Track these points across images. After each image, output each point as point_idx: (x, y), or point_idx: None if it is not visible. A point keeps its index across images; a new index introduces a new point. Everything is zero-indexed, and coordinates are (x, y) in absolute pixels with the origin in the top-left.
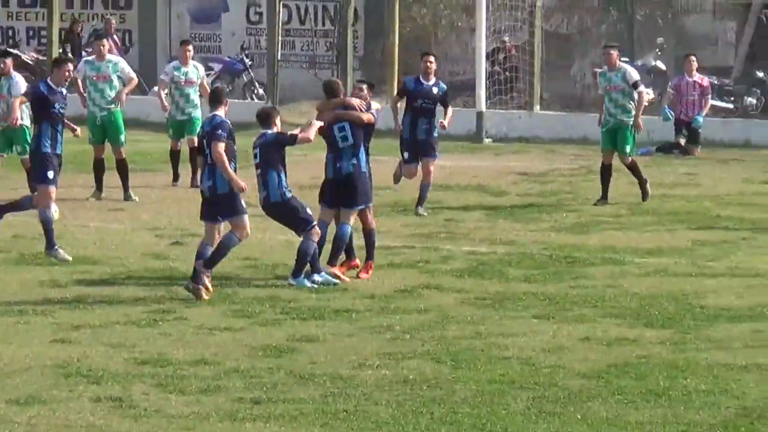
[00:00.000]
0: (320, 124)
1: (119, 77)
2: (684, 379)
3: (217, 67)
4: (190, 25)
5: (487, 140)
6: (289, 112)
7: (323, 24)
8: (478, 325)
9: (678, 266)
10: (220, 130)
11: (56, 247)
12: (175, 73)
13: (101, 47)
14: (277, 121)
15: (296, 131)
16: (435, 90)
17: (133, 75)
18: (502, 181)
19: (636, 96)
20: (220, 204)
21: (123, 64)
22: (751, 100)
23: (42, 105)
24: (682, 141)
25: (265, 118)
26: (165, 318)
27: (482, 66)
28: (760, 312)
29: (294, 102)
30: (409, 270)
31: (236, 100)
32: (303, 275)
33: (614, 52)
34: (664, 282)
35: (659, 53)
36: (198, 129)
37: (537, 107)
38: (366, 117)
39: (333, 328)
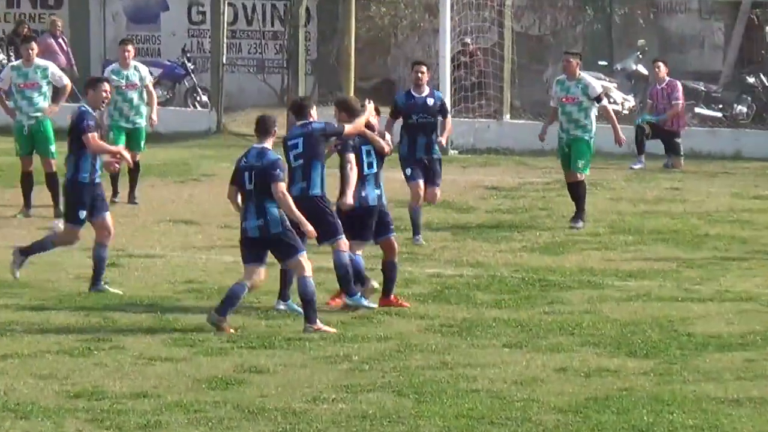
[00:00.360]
0: (373, 115)
1: (49, 83)
2: (670, 414)
3: (156, 71)
4: (127, 25)
5: (452, 152)
6: (235, 122)
7: (272, 24)
8: (444, 355)
9: (662, 290)
10: (278, 170)
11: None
12: (114, 77)
13: (29, 51)
14: (314, 112)
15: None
16: (430, 101)
17: (66, 80)
18: (470, 197)
19: (595, 111)
20: (273, 245)
21: (53, 68)
22: (741, 108)
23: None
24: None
25: (300, 109)
26: (100, 347)
27: (447, 71)
28: (753, 340)
29: (241, 110)
30: (377, 295)
31: (177, 108)
32: (358, 292)
33: (573, 60)
34: (648, 307)
35: (640, 56)
36: (143, 143)
37: (507, 116)
38: (386, 146)
39: (284, 358)
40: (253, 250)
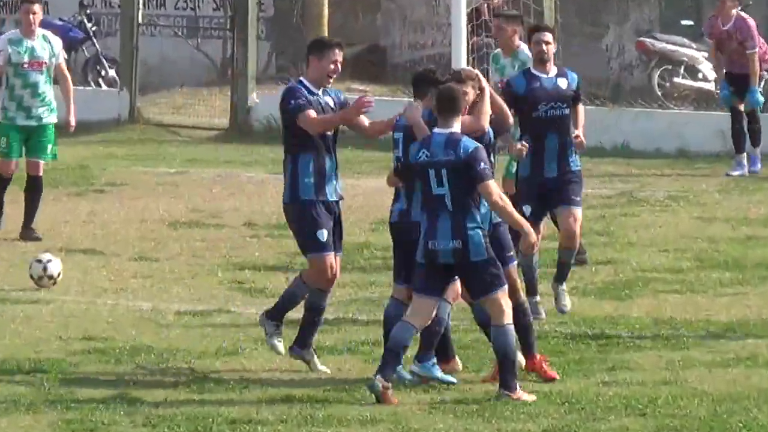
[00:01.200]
0: (486, 100)
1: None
2: None
3: None
4: None
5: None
6: (156, 107)
7: None
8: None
9: None
10: (484, 164)
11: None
12: (12, 48)
13: (32, 14)
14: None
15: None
16: (563, 84)
17: (65, 67)
18: None
19: None
20: (470, 274)
21: (59, 44)
22: None
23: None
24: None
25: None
26: None
27: (461, 36)
28: None
29: (165, 90)
30: (348, 357)
31: (75, 87)
32: (433, 359)
33: (509, 27)
34: (753, 375)
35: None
36: (51, 148)
37: None
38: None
39: None
40: (437, 278)
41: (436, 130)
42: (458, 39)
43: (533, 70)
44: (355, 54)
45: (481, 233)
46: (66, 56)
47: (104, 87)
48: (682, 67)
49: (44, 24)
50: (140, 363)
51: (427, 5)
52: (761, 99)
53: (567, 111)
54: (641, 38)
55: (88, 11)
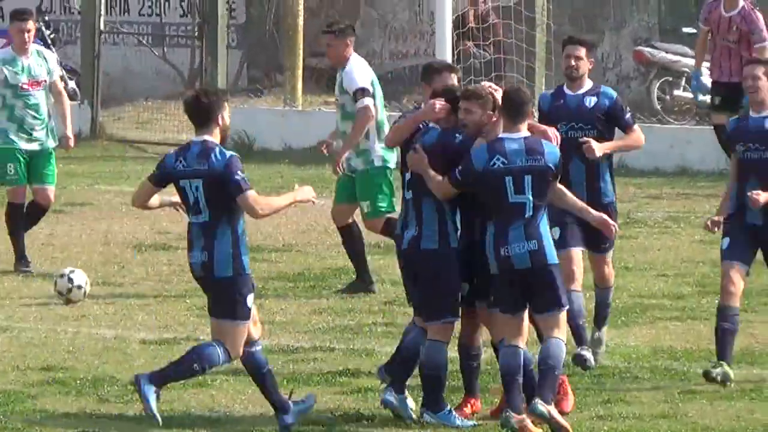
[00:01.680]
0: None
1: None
2: None
3: None
4: None
5: None
6: (119, 121)
7: None
8: None
9: None
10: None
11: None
12: (8, 69)
13: (26, 33)
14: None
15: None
16: (590, 103)
17: (60, 83)
18: None
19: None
20: (544, 282)
21: (53, 59)
22: None
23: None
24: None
25: (201, 114)
26: None
27: (447, 43)
28: None
29: (129, 103)
30: (325, 388)
31: None
32: (447, 406)
33: (335, 42)
34: (758, 409)
35: None
36: (53, 170)
37: None
38: None
39: None
40: (518, 290)
41: (505, 135)
42: (443, 48)
43: (563, 87)
44: (331, 64)
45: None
46: (62, 72)
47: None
48: (683, 79)
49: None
50: (103, 395)
51: (409, 11)
52: None
53: (592, 133)
54: (639, 47)
55: (46, 18)
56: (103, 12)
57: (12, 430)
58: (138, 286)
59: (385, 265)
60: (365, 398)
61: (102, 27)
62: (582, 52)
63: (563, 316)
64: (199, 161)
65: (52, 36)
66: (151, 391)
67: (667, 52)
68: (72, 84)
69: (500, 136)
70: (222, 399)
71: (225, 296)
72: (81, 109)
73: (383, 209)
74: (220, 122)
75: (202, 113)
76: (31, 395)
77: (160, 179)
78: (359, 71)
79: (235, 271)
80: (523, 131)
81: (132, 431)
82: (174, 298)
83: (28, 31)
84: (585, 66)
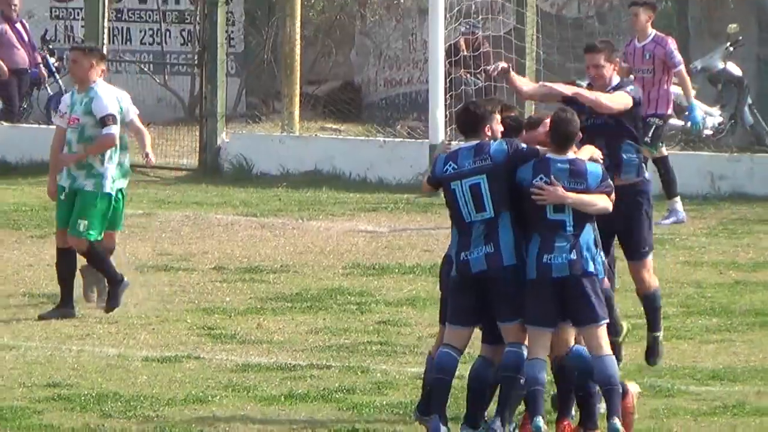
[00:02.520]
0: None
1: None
2: None
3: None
4: None
5: None
6: None
7: (177, 2)
8: None
9: (763, 399)
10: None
11: None
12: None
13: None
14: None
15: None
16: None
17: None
18: None
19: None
20: (583, 293)
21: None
22: None
23: None
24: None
25: (472, 123)
26: None
27: (439, 70)
28: None
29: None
30: (322, 404)
31: (35, 126)
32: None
33: (81, 59)
34: (740, 424)
35: (731, 49)
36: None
37: None
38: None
39: None
40: (550, 303)
41: (552, 156)
42: (436, 75)
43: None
44: (328, 92)
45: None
46: (137, 110)
47: None
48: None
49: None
50: (106, 411)
51: (403, 40)
52: (699, 118)
53: (610, 121)
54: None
55: (50, 46)
56: (106, 41)
57: None
58: (140, 306)
59: (379, 286)
60: (360, 414)
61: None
62: (599, 59)
63: (604, 328)
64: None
65: (56, 64)
66: None
67: None
68: None
69: (547, 156)
70: (222, 414)
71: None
72: None
73: (92, 235)
74: (489, 132)
75: (470, 123)
76: (37, 411)
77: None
78: (109, 97)
79: (519, 259)
80: (570, 154)
81: None
82: (175, 318)
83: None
84: (608, 70)
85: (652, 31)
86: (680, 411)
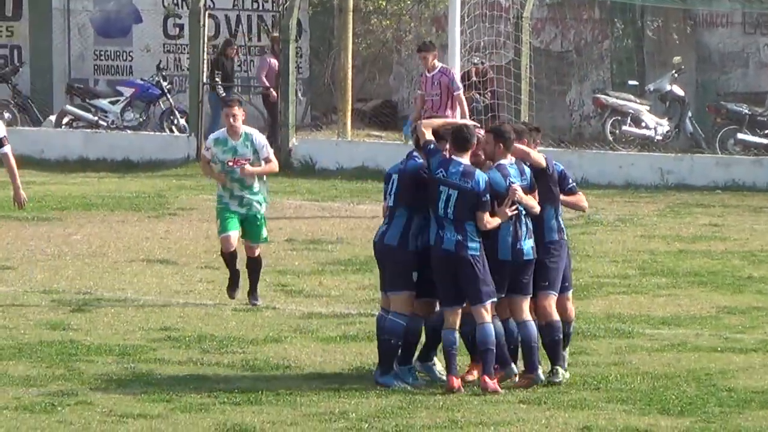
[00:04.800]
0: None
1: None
2: None
3: (127, 91)
4: (95, 39)
5: None
6: None
7: (259, 39)
8: (453, 412)
9: (700, 339)
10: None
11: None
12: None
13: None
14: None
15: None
16: None
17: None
18: None
19: None
20: None
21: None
22: None
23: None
24: None
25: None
26: (65, 402)
27: None
28: None
29: None
30: (367, 343)
31: (151, 133)
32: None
33: None
34: (683, 358)
35: (676, 76)
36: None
37: None
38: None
39: (272, 414)
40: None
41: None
42: None
43: None
44: (373, 107)
45: None
46: (270, 149)
47: (176, 133)
48: (629, 118)
49: (128, 83)
50: (205, 348)
51: None
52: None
53: None
54: (597, 95)
55: (163, 73)
56: (205, 69)
57: (138, 374)
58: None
59: None
60: None
61: (205, 80)
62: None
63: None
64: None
65: (168, 87)
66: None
67: (617, 99)
68: (182, 121)
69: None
70: (292, 351)
71: None
72: (189, 140)
73: None
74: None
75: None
76: (152, 348)
77: None
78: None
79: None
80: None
81: (226, 374)
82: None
83: (234, 116)
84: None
85: (438, 65)
86: (638, 348)
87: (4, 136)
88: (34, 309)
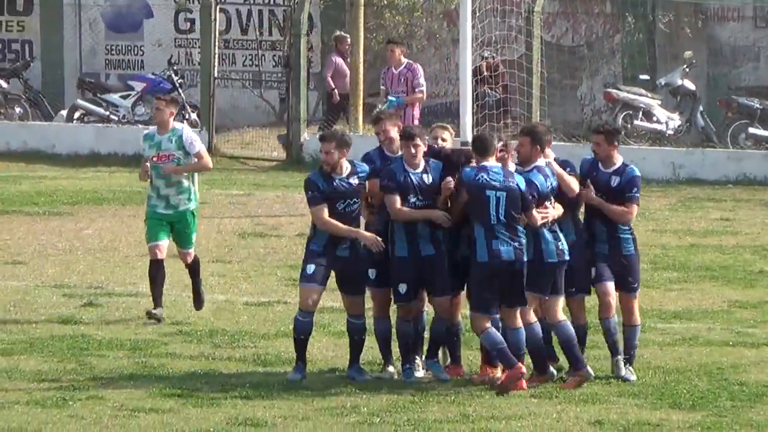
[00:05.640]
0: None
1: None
2: None
3: (138, 86)
4: (106, 34)
5: None
6: (228, 143)
7: (270, 33)
8: (465, 406)
9: (711, 333)
10: None
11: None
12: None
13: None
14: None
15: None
16: (614, 180)
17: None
18: None
19: None
20: None
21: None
22: None
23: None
24: None
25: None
26: (76, 397)
27: (468, 86)
28: None
29: (235, 130)
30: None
31: None
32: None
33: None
34: (694, 352)
35: (687, 70)
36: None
37: None
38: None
39: (284, 409)
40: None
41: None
42: (465, 90)
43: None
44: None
45: None
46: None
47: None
48: (640, 112)
49: (139, 78)
50: (216, 342)
51: (440, 63)
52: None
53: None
54: (608, 89)
55: (174, 68)
56: (216, 63)
57: (150, 368)
58: (242, 263)
59: None
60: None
61: (216, 74)
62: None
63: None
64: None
65: (179, 81)
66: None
67: (628, 93)
68: (194, 116)
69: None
70: (311, 349)
71: None
72: (201, 134)
73: None
74: None
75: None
76: (164, 342)
77: None
78: None
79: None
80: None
81: (238, 368)
82: (268, 272)
83: (158, 110)
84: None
85: (405, 61)
86: (649, 343)
87: None
88: (46, 303)
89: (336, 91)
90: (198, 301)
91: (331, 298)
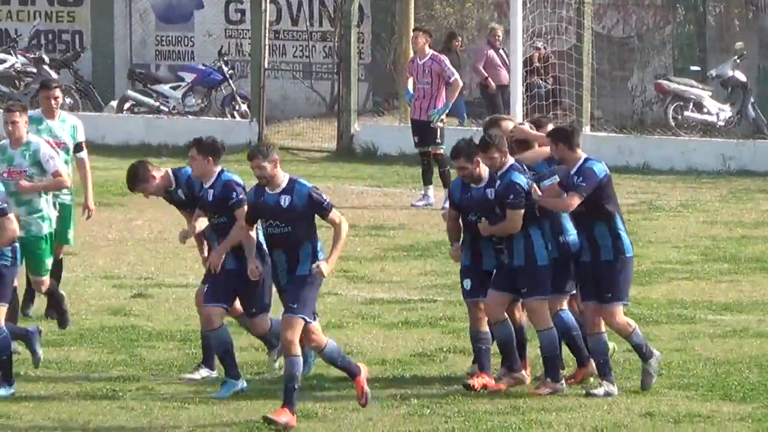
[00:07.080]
0: None
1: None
2: None
3: (189, 77)
4: (156, 25)
5: None
6: (278, 134)
7: (320, 24)
8: (515, 398)
9: (762, 325)
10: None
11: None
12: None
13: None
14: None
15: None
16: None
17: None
18: None
19: None
20: None
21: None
22: None
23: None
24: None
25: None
26: (126, 388)
27: (518, 77)
28: None
29: (286, 121)
30: (429, 329)
31: (213, 118)
32: None
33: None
34: (745, 344)
35: (738, 61)
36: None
37: (587, 128)
38: None
39: (335, 400)
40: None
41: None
42: (516, 80)
43: None
44: None
45: None
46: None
47: (238, 118)
48: (691, 104)
49: (189, 68)
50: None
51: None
52: (437, 116)
53: None
54: (659, 80)
55: (225, 59)
56: (267, 54)
57: (199, 359)
58: None
59: None
60: (458, 337)
61: (266, 66)
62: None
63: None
64: None
65: (229, 72)
66: None
67: (679, 84)
68: (244, 107)
69: None
70: (354, 336)
71: None
72: (251, 126)
73: None
74: None
75: None
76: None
77: None
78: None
79: None
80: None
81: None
82: None
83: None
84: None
85: (429, 51)
86: (700, 334)
87: (84, 141)
88: (96, 294)
89: (489, 79)
90: (63, 321)
91: (382, 289)
